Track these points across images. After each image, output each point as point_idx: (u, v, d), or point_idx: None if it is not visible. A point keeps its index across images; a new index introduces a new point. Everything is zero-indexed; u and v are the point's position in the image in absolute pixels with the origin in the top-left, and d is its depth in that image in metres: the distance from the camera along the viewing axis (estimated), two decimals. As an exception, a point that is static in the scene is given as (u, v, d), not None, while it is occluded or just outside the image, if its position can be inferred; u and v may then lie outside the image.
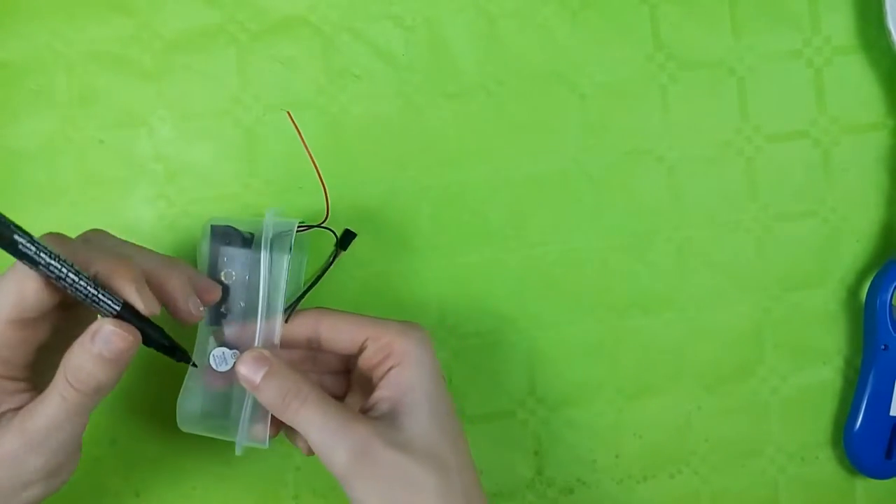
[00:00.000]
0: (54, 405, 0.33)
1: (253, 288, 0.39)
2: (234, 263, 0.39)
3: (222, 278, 0.39)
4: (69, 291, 0.32)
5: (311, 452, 0.38)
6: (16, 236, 0.30)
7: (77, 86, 0.44)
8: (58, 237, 0.33)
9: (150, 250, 0.37)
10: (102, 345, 0.32)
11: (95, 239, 0.36)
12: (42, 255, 0.31)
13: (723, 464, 0.47)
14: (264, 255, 0.38)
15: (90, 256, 0.33)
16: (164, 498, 0.44)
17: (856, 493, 0.47)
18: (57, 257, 0.31)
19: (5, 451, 0.33)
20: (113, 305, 0.33)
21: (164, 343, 0.35)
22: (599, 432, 0.46)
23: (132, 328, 0.33)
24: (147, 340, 0.34)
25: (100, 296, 0.32)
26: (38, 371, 0.35)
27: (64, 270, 0.31)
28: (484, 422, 0.46)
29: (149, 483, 0.44)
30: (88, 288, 0.32)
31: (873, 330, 0.46)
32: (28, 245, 0.31)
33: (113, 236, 0.37)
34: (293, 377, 0.36)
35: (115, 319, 0.33)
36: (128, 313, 0.33)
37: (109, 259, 0.33)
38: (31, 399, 0.34)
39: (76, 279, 0.32)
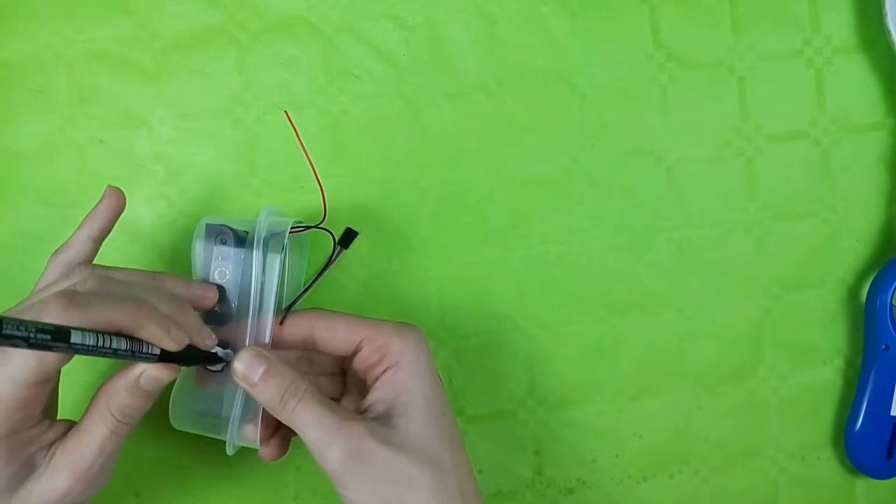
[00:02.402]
0: (104, 439, 0.34)
1: (246, 287, 0.39)
2: (227, 262, 0.39)
3: (216, 277, 0.39)
4: (101, 357, 0.32)
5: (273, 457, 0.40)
6: (39, 337, 0.29)
7: (77, 86, 0.44)
8: (70, 299, 0.31)
9: (147, 281, 0.37)
10: (150, 385, 0.34)
11: (101, 286, 0.35)
12: (74, 345, 0.30)
13: (723, 464, 0.47)
14: (256, 254, 0.38)
15: (109, 311, 0.32)
16: (164, 498, 0.44)
17: (856, 493, 0.47)
18: (84, 346, 0.30)
19: (61, 489, 0.34)
20: (152, 353, 0.34)
21: (196, 358, 0.37)
22: (599, 432, 0.46)
23: (171, 364, 0.35)
24: (183, 363, 0.36)
25: (137, 354, 0.33)
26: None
27: (96, 346, 0.31)
28: (484, 422, 0.46)
29: (149, 483, 0.44)
30: (119, 352, 0.32)
31: (873, 330, 0.46)
32: (58, 344, 0.29)
33: (112, 272, 0.36)
34: (291, 375, 0.36)
35: (157, 364, 0.34)
36: (164, 354, 0.34)
37: (129, 308, 0.33)
38: (51, 427, 0.34)
39: (109, 350, 0.32)
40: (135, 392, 0.34)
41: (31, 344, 0.28)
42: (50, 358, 0.32)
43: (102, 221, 0.38)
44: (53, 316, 0.31)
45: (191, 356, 0.36)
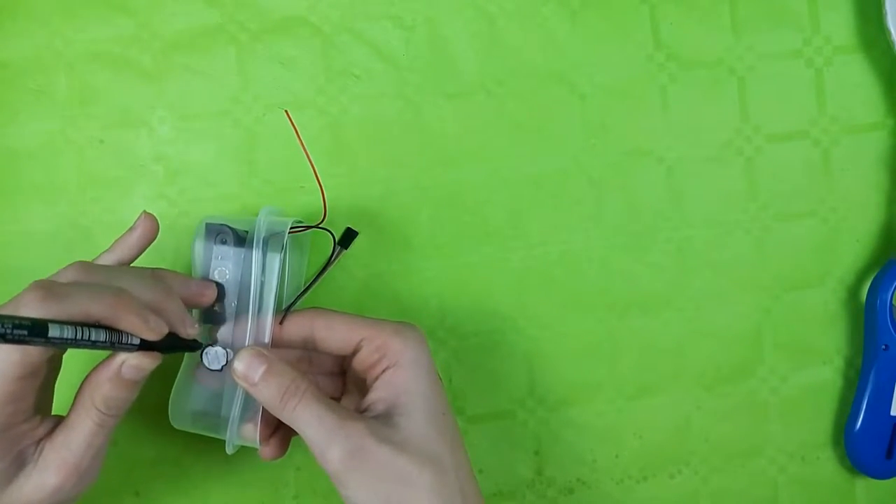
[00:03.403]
0: (91, 433, 0.34)
1: (246, 287, 0.39)
2: (227, 262, 0.39)
3: (216, 276, 0.39)
4: (81, 349, 0.32)
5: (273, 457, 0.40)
6: (16, 332, 0.28)
7: (77, 86, 0.44)
8: (47, 290, 0.31)
9: (134, 269, 0.37)
10: (132, 374, 0.34)
11: (82, 276, 0.34)
12: (52, 339, 0.30)
13: (723, 464, 0.47)
14: (256, 254, 0.38)
15: (87, 302, 0.32)
16: (164, 498, 0.44)
17: (856, 493, 0.47)
18: (62, 339, 0.30)
19: (51, 485, 0.34)
20: (132, 344, 0.33)
21: (177, 346, 0.36)
22: (599, 432, 0.46)
23: (152, 353, 0.34)
24: (164, 351, 0.36)
25: (116, 345, 0.33)
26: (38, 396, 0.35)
27: (74, 339, 0.31)
28: (484, 422, 0.46)
29: (148, 483, 0.44)
30: (98, 343, 0.32)
31: (873, 330, 0.46)
32: (36, 338, 0.29)
33: (96, 266, 0.36)
34: (291, 375, 0.36)
35: (137, 353, 0.34)
36: (145, 343, 0.34)
37: (107, 298, 0.32)
38: (42, 423, 0.34)
39: (88, 342, 0.31)
40: (117, 383, 0.34)
41: (7, 339, 0.28)
42: (33, 351, 0.31)
43: (135, 251, 0.38)
44: (30, 308, 0.30)
45: (171, 345, 0.36)
